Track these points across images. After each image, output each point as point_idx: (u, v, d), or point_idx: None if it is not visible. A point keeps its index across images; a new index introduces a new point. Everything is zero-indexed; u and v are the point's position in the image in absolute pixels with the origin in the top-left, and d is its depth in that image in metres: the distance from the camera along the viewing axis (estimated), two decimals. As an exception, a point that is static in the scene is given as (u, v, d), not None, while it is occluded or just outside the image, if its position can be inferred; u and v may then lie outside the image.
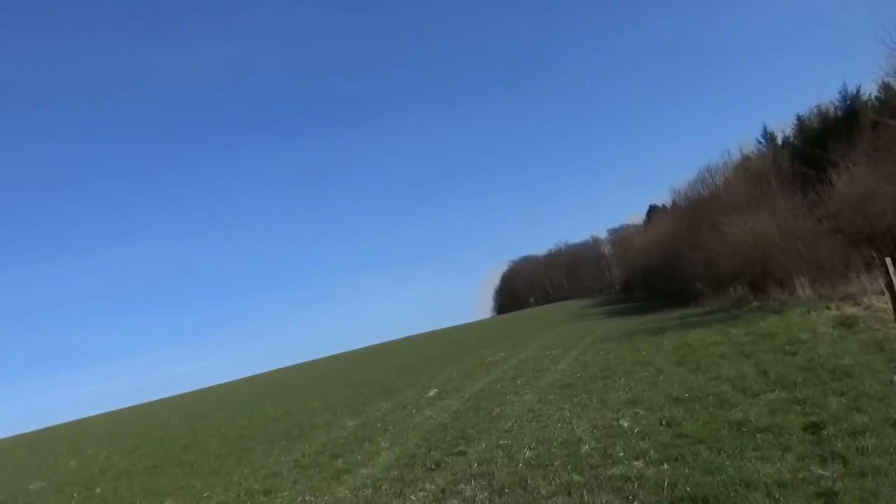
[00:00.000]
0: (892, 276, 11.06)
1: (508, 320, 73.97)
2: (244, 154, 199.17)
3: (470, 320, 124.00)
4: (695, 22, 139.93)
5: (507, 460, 7.51)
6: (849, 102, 36.94)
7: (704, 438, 6.55)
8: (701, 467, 5.65)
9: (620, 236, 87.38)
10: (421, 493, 7.00)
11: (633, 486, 5.57)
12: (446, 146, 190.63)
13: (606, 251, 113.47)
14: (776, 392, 7.96)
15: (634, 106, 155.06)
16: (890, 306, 11.19)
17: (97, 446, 25.37)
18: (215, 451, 14.73)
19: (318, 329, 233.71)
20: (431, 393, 15.98)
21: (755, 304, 21.06)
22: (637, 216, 77.62)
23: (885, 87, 30.79)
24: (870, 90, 33.13)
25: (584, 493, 5.67)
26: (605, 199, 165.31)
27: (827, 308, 14.91)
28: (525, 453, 7.59)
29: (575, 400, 10.59)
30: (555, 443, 7.82)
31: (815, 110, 39.62)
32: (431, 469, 8.04)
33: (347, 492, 7.85)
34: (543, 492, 5.98)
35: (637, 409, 8.78)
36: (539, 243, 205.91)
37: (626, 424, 8.02)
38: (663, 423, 7.68)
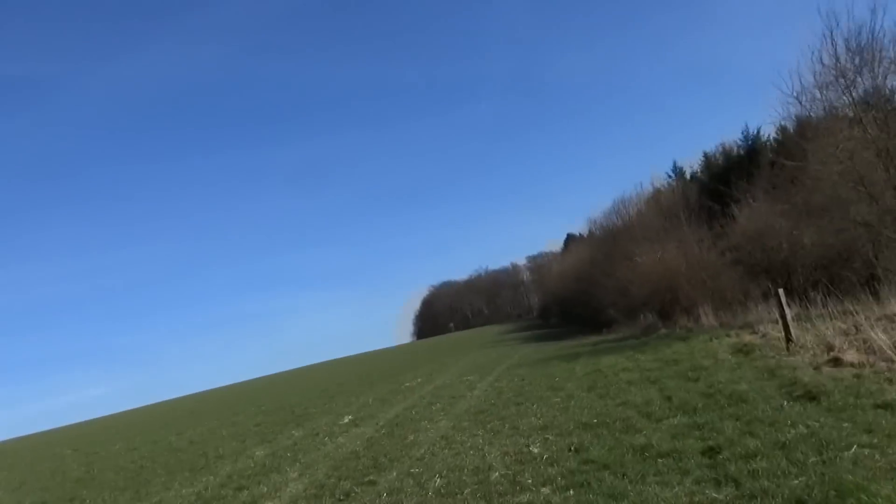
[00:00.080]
0: (784, 306, 11.80)
1: (428, 345, 73.93)
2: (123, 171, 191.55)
3: (389, 345, 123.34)
4: (613, 59, 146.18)
5: (417, 489, 7.41)
6: (750, 142, 39.56)
7: (609, 464, 6.68)
8: (605, 493, 5.75)
9: (539, 263, 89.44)
10: (327, 525, 6.78)
11: (539, 513, 5.59)
12: (367, 170, 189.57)
13: (525, 278, 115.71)
14: (678, 417, 8.24)
15: (553, 135, 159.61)
16: (782, 334, 11.91)
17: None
18: (111, 485, 13.84)
19: (230, 354, 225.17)
20: (346, 420, 15.66)
21: (663, 331, 21.92)
22: (555, 244, 79.74)
23: (782, 129, 33.02)
24: (769, 132, 35.52)
25: (491, 521, 5.64)
26: (525, 226, 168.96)
27: (727, 336, 15.67)
28: (436, 482, 7.52)
29: (488, 426, 10.62)
30: (466, 470, 7.79)
31: (721, 148, 42.25)
32: (340, 500, 7.84)
33: (250, 525, 7.52)
34: (451, 521, 5.91)
35: (547, 435, 8.87)
36: (460, 269, 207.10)
37: (535, 451, 8.08)
38: (571, 448, 7.79)
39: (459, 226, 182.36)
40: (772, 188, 25.11)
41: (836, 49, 17.00)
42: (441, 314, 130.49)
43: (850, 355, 9.12)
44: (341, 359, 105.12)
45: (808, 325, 13.07)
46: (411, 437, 11.18)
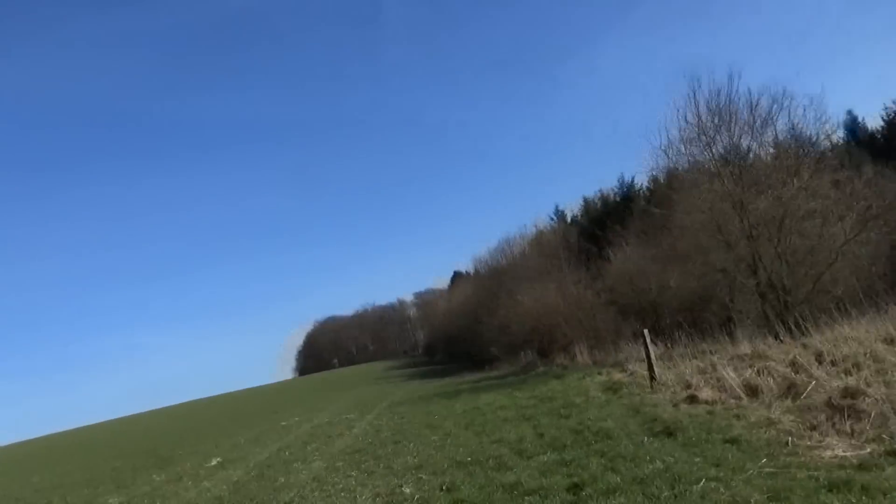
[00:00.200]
0: (650, 346, 12.44)
1: (309, 382, 71.85)
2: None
3: (269, 382, 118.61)
4: (502, 104, 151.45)
5: (280, 535, 7.03)
6: (626, 190, 42.08)
7: (479, 503, 6.65)
8: (471, 533, 5.70)
9: (426, 300, 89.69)
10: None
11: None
12: (252, 202, 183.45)
13: (412, 314, 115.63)
14: (548, 454, 8.38)
15: (443, 174, 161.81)
16: (647, 373, 12.53)
17: None
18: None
19: (89, 392, 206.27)
20: (213, 462, 14.75)
21: (542, 368, 22.51)
22: (443, 281, 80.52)
23: (654, 179, 35.41)
24: (642, 181, 37.94)
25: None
26: (413, 262, 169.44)
27: (599, 374, 16.30)
28: (301, 527, 7.17)
29: (363, 466, 10.33)
30: (334, 514, 7.50)
31: (599, 194, 44.66)
32: (196, 550, 7.29)
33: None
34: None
35: (421, 475, 8.74)
36: (346, 304, 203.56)
37: (408, 491, 7.93)
38: (444, 487, 7.70)
39: (345, 260, 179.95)
40: (643, 234, 26.73)
41: (698, 109, 18.54)
42: (325, 350, 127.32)
43: (705, 393, 9.71)
44: (216, 396, 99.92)
45: (672, 364, 13.86)
46: (282, 480, 10.67)
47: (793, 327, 14.97)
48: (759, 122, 18.34)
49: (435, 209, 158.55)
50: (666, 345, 18.26)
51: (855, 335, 11.60)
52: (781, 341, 14.29)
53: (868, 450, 5.80)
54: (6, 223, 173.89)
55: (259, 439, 17.96)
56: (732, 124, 18.52)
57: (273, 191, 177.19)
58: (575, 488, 6.47)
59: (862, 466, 5.45)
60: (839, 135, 26.94)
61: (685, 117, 18.64)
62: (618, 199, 41.95)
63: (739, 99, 18.15)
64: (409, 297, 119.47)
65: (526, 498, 6.47)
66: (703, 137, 18.66)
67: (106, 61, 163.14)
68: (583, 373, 17.76)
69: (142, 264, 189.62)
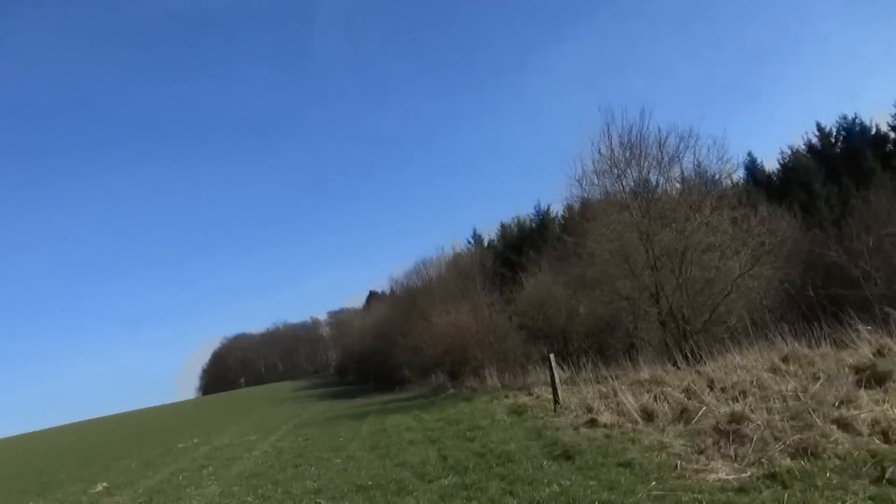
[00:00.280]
0: (554, 370, 12.67)
1: (213, 402, 69.04)
2: None
3: (169, 401, 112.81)
4: (425, 125, 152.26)
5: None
6: (542, 217, 43.14)
7: (375, 528, 6.50)
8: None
9: (340, 319, 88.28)
10: None
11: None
12: (162, 210, 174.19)
13: (325, 333, 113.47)
14: (450, 478, 8.31)
15: (361, 192, 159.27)
16: (551, 396, 12.75)
17: None
18: None
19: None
20: (99, 488, 13.81)
21: (452, 390, 22.52)
22: (358, 300, 79.65)
23: (569, 207, 36.44)
24: (557, 209, 38.98)
25: None
26: (329, 280, 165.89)
27: (506, 397, 16.46)
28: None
29: (259, 491, 9.93)
30: (223, 540, 7.13)
31: (516, 220, 45.57)
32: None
33: None
34: None
35: (319, 500, 8.49)
36: (256, 321, 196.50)
37: (303, 516, 7.66)
38: (341, 512, 7.49)
39: (257, 276, 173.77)
40: (556, 260, 27.42)
41: (611, 142, 19.26)
42: (232, 368, 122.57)
43: (605, 417, 9.95)
44: (109, 416, 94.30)
45: (577, 389, 14.16)
46: (171, 505, 10.11)
47: (690, 355, 15.65)
48: (666, 158, 19.23)
49: (354, 227, 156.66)
50: (572, 369, 18.67)
51: (744, 364, 12.24)
52: (679, 368, 14.90)
53: (748, 473, 6.07)
54: None
55: (152, 462, 17.00)
56: (642, 159, 19.34)
57: (187, 200, 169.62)
58: (472, 512, 6.43)
59: (742, 489, 5.69)
60: (739, 175, 28.61)
61: (599, 150, 19.32)
62: (534, 225, 42.96)
63: (649, 136, 19.00)
64: (322, 316, 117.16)
65: (423, 522, 6.37)
66: (615, 170, 19.39)
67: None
68: (491, 395, 17.89)
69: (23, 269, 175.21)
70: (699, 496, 5.66)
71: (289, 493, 9.39)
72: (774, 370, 11.30)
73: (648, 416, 9.54)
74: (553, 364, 12.85)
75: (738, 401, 8.85)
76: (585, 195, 21.54)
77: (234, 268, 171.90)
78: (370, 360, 44.94)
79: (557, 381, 12.82)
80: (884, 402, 7.49)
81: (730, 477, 6.07)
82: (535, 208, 43.41)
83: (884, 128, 32.34)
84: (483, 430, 11.86)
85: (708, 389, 10.44)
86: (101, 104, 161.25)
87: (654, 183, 19.79)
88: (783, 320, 17.09)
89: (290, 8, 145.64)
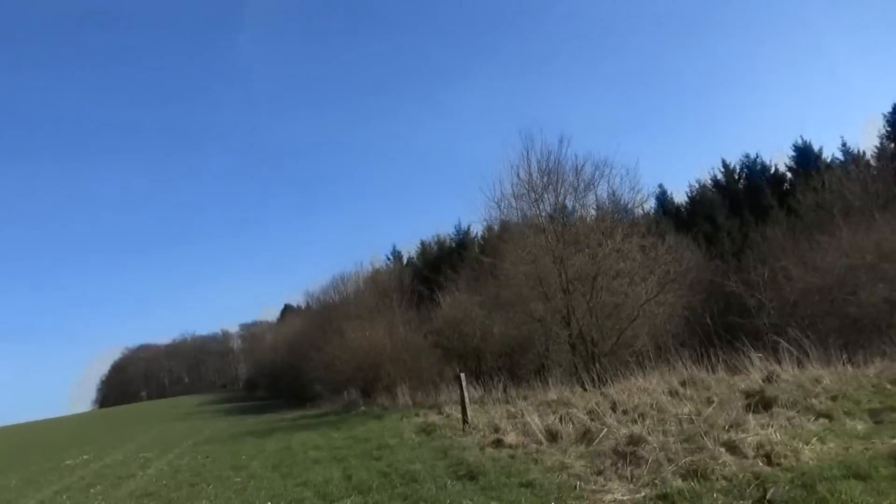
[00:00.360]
0: (464, 389, 12.71)
1: (110, 415, 65.26)
2: None
3: (61, 414, 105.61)
4: (353, 138, 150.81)
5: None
6: (461, 236, 43.52)
7: (269, 550, 6.26)
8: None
9: (252, 332, 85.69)
10: None
11: None
12: (67, 211, 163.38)
13: (236, 346, 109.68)
14: (352, 497, 8.15)
15: (279, 204, 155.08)
16: (460, 415, 12.77)
17: None
18: None
19: None
20: (-31, 507, 12.72)
21: (363, 408, 22.20)
22: (273, 313, 77.69)
23: (489, 228, 36.94)
24: (477, 229, 39.42)
25: None
26: (243, 292, 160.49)
27: (416, 415, 16.37)
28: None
29: (150, 511, 9.41)
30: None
31: (436, 238, 45.78)
32: None
33: None
34: None
35: (213, 520, 8.11)
36: (163, 331, 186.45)
37: (194, 538, 7.30)
38: (235, 534, 7.18)
39: (163, 285, 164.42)
40: (474, 280, 27.70)
41: (530, 167, 19.73)
42: (133, 380, 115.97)
43: (511, 437, 10.04)
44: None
45: (487, 408, 14.26)
46: (51, 526, 9.41)
47: (597, 377, 16.11)
48: (582, 185, 19.89)
49: (272, 238, 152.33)
50: (485, 389, 18.82)
51: (646, 387, 12.68)
52: (586, 390, 15.30)
53: (642, 493, 6.25)
54: None
55: (34, 481, 15.81)
56: (559, 185, 19.90)
57: (103, 202, 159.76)
58: (371, 533, 6.31)
59: (635, 510, 5.85)
60: (650, 205, 29.95)
61: (518, 173, 19.76)
62: (454, 244, 43.27)
63: (567, 163, 19.62)
64: (234, 329, 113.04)
65: (319, 544, 6.19)
66: (533, 194, 19.86)
67: None
68: (402, 413, 17.75)
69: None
70: (594, 517, 5.77)
71: (182, 513, 8.94)
72: (673, 393, 11.77)
73: (553, 436, 9.69)
74: (463, 383, 12.90)
75: (637, 423, 9.13)
76: (504, 217, 21.96)
77: (138, 276, 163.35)
78: (282, 375, 43.79)
79: (467, 400, 12.87)
80: (769, 426, 7.91)
81: (625, 498, 6.23)
82: (455, 228, 43.79)
83: (782, 168, 34.71)
84: (390, 448, 11.72)
85: (611, 411, 10.74)
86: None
87: (570, 208, 20.41)
88: (684, 346, 17.88)
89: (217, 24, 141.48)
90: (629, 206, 21.11)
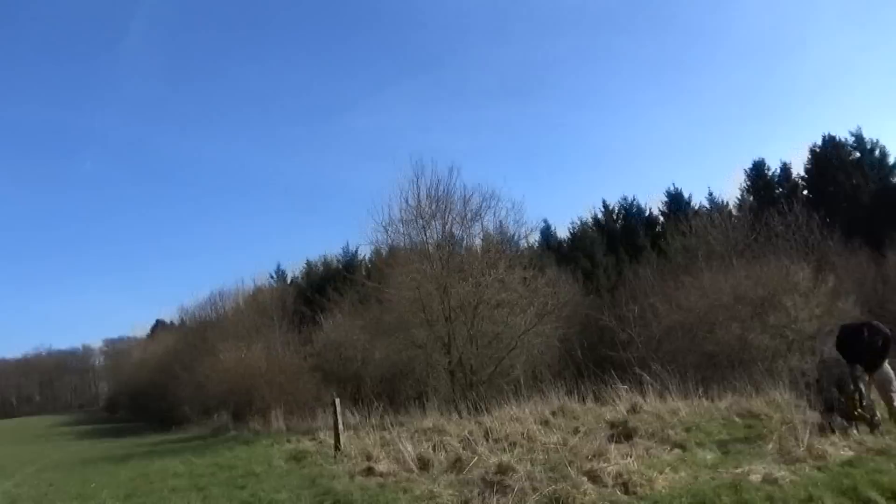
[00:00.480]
0: (338, 415, 12.43)
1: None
2: None
3: None
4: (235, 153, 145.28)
5: None
6: (349, 258, 43.09)
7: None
8: None
9: (118, 348, 79.80)
10: None
11: None
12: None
13: (98, 363, 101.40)
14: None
15: (156, 216, 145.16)
16: (333, 442, 12.46)
17: None
18: None
19: None
20: None
21: (233, 432, 21.22)
22: (143, 329, 72.93)
23: (377, 251, 36.65)
24: (365, 252, 39.03)
25: None
26: (110, 305, 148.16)
27: (289, 441, 15.81)
28: None
29: (-27, 546, 8.40)
30: None
31: (323, 258, 45.03)
32: None
33: None
34: None
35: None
36: (14, 345, 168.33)
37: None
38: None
39: (19, 295, 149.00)
40: (359, 303, 27.40)
41: (419, 193, 19.86)
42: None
43: (383, 465, 9.87)
44: None
45: (363, 435, 13.98)
46: None
47: (472, 406, 16.27)
48: (469, 215, 20.27)
49: (147, 250, 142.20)
50: (363, 414, 18.51)
51: (519, 416, 12.94)
52: (462, 417, 15.39)
53: (506, 524, 6.29)
54: None
55: None
56: (447, 213, 20.16)
57: None
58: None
59: (497, 540, 5.87)
60: (535, 238, 30.98)
61: (406, 199, 19.84)
62: (340, 266, 42.76)
63: (455, 192, 19.93)
64: (97, 344, 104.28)
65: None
66: (420, 221, 19.98)
67: None
68: (273, 439, 17.09)
69: None
70: (456, 547, 5.73)
71: (11, 548, 8.06)
72: (544, 423, 12.08)
73: (425, 465, 9.62)
74: (338, 408, 12.61)
75: (507, 452, 9.25)
76: (392, 242, 21.93)
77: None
78: (147, 396, 41.01)
79: (341, 426, 12.58)
80: (629, 455, 8.25)
81: (488, 527, 6.25)
82: (343, 249, 43.30)
83: (655, 211, 37.18)
84: (257, 477, 11.20)
85: (484, 440, 10.84)
86: None
87: (457, 237, 20.72)
88: (558, 376, 18.51)
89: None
90: (514, 238, 21.76)
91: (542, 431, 10.79)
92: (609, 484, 7.11)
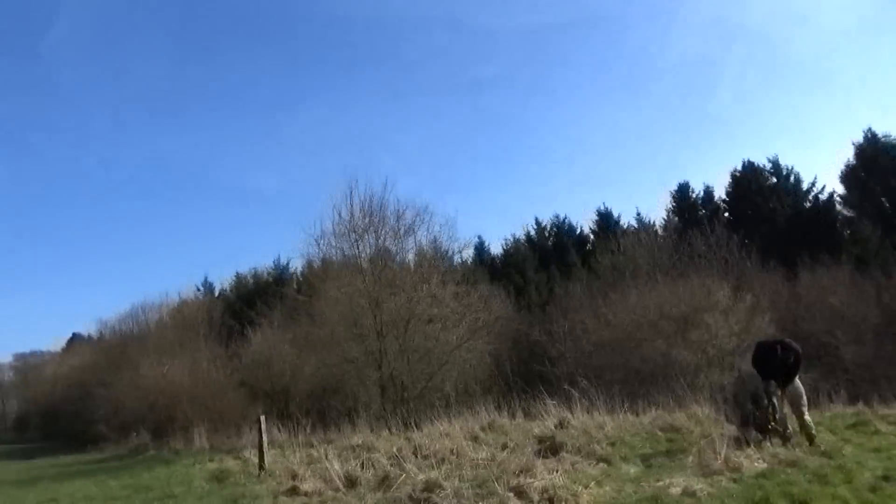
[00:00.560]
0: (264, 433, 12.08)
1: None
2: None
3: None
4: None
5: None
6: (280, 271, 42.15)
7: None
8: None
9: (29, 363, 75.16)
10: None
11: None
12: None
13: (6, 379, 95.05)
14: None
15: (69, 223, 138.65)
16: (257, 460, 12.09)
17: None
18: None
19: None
20: None
21: (152, 451, 20.29)
22: (59, 343, 69.17)
23: (309, 265, 36.05)
24: (297, 265, 38.24)
25: None
26: (25, 316, 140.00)
27: (211, 460, 15.24)
28: None
29: None
30: None
31: (253, 271, 43.83)
32: None
33: None
34: None
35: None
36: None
37: None
38: None
39: None
40: (289, 318, 26.81)
41: (352, 207, 19.76)
42: None
43: (309, 484, 9.62)
44: None
45: (290, 452, 13.61)
46: None
47: (403, 421, 16.14)
48: (403, 229, 20.29)
49: (64, 256, 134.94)
50: (291, 431, 18.05)
51: (449, 431, 12.89)
52: (392, 433, 15.22)
53: (431, 542, 6.21)
54: None
55: None
56: (380, 227, 20.12)
57: None
58: None
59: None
60: (469, 253, 31.15)
61: (340, 213, 19.68)
62: (271, 279, 41.75)
63: (389, 206, 19.91)
64: (7, 359, 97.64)
65: None
66: (353, 234, 19.87)
67: None
68: (195, 458, 16.43)
69: None
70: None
71: None
72: (474, 438, 12.07)
73: (352, 482, 9.43)
74: (263, 426, 12.24)
75: (435, 468, 9.18)
76: (324, 255, 21.67)
77: None
78: (62, 414, 38.77)
79: (266, 444, 12.22)
80: (555, 470, 8.33)
81: (413, 546, 6.16)
82: (274, 262, 42.34)
83: (586, 230, 38.08)
84: (175, 498, 10.72)
85: (413, 456, 10.73)
86: None
87: (390, 251, 20.65)
88: (490, 391, 18.61)
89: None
90: (448, 253, 21.87)
91: (472, 447, 10.77)
92: (535, 499, 7.15)
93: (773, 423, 9.29)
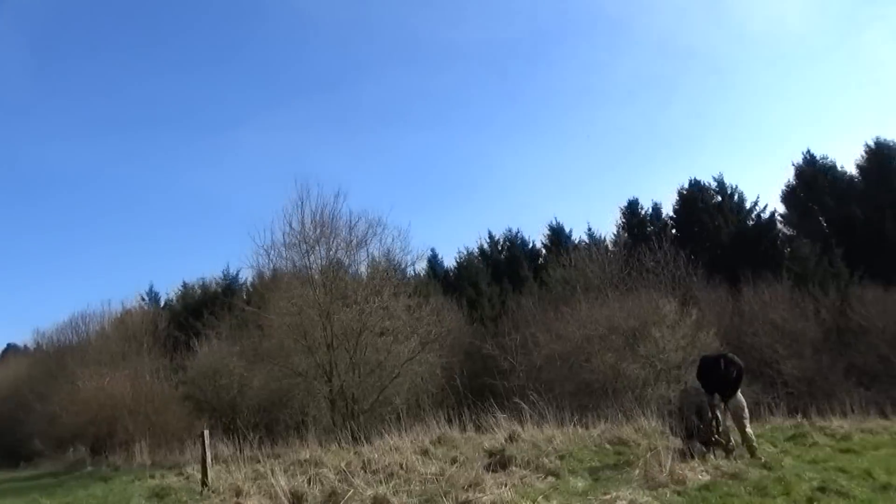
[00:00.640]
0: (207, 448, 11.74)
1: None
2: None
3: None
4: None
5: None
6: (229, 281, 41.22)
7: None
8: None
9: (-40, 376, 71.75)
10: None
11: None
12: None
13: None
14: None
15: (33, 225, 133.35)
16: (200, 477, 11.73)
17: None
18: None
19: None
20: None
21: (90, 468, 19.50)
22: (-7, 352, 65.79)
23: (260, 275, 35.35)
24: (247, 275, 37.35)
25: None
26: None
27: (153, 476, 14.70)
28: None
29: None
30: None
31: (201, 281, 42.73)
32: None
33: None
34: None
35: None
36: None
37: None
38: None
39: None
40: (236, 329, 26.21)
41: (303, 217, 19.47)
42: None
43: (253, 500, 9.36)
44: None
45: (235, 468, 13.24)
46: None
47: (353, 435, 15.92)
48: (355, 241, 20.08)
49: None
50: (238, 446, 17.60)
51: (399, 445, 12.75)
52: (341, 448, 14.98)
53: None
54: None
55: None
56: (332, 239, 19.87)
57: None
58: None
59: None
60: (422, 266, 31.09)
61: (290, 223, 19.37)
62: (219, 289, 40.80)
63: (341, 217, 19.70)
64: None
65: None
66: (304, 245, 19.57)
67: None
68: (136, 475, 15.82)
69: None
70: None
71: None
72: (424, 452, 11.96)
73: (298, 499, 9.21)
74: (206, 440, 11.89)
75: (384, 483, 9.05)
76: (274, 266, 21.30)
77: None
78: (-7, 428, 37.02)
79: (209, 459, 11.85)
80: (504, 484, 8.31)
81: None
82: (223, 272, 41.39)
83: (538, 244, 38.50)
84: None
85: (362, 471, 10.56)
86: None
87: (342, 263, 20.42)
88: (441, 405, 18.52)
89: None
90: (401, 265, 21.76)
91: (421, 461, 10.66)
92: (484, 514, 7.11)
93: (716, 436, 9.50)
